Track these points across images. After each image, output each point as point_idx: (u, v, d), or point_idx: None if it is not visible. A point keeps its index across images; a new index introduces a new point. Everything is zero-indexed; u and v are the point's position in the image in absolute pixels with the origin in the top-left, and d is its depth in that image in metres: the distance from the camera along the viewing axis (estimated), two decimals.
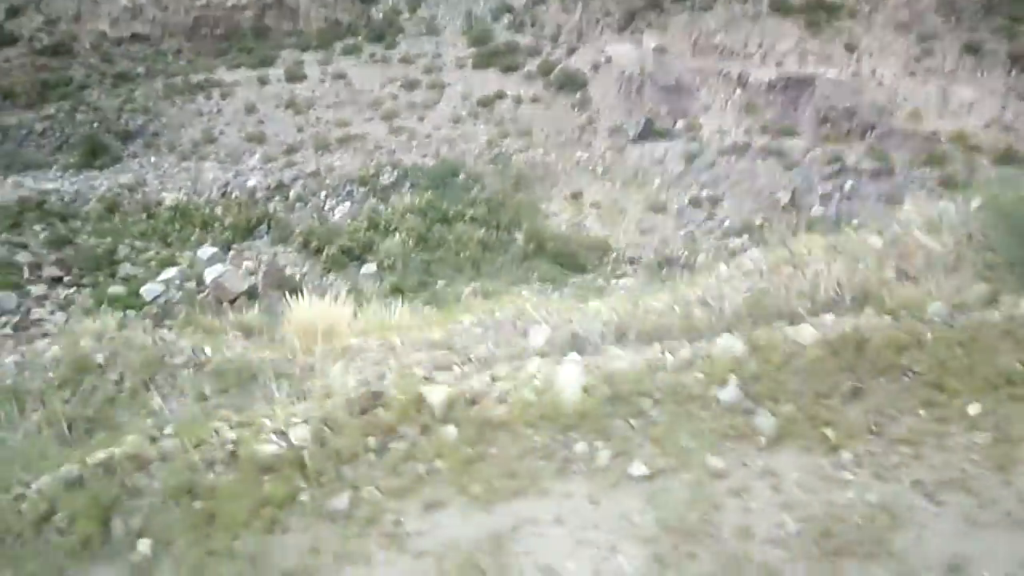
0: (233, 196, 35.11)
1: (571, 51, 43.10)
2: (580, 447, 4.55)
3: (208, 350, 6.40)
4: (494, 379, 5.10)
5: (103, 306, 21.25)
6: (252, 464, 4.51)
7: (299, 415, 4.87)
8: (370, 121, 40.93)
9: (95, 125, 42.71)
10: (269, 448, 4.59)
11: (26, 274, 22.63)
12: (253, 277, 23.49)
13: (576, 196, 33.41)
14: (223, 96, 44.24)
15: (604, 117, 39.39)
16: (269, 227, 32.67)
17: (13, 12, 49.04)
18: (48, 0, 49.86)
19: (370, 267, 29.07)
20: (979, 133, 35.56)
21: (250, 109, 42.85)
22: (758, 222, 30.69)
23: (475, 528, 4.12)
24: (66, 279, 22.82)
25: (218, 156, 40.20)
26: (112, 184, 37.40)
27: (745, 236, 30.28)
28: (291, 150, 39.54)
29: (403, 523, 4.20)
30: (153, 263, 25.45)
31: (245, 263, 25.24)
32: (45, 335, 19.12)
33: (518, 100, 40.99)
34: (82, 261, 23.85)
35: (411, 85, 43.13)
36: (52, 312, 20.15)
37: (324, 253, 29.39)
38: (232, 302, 22.76)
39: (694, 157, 34.58)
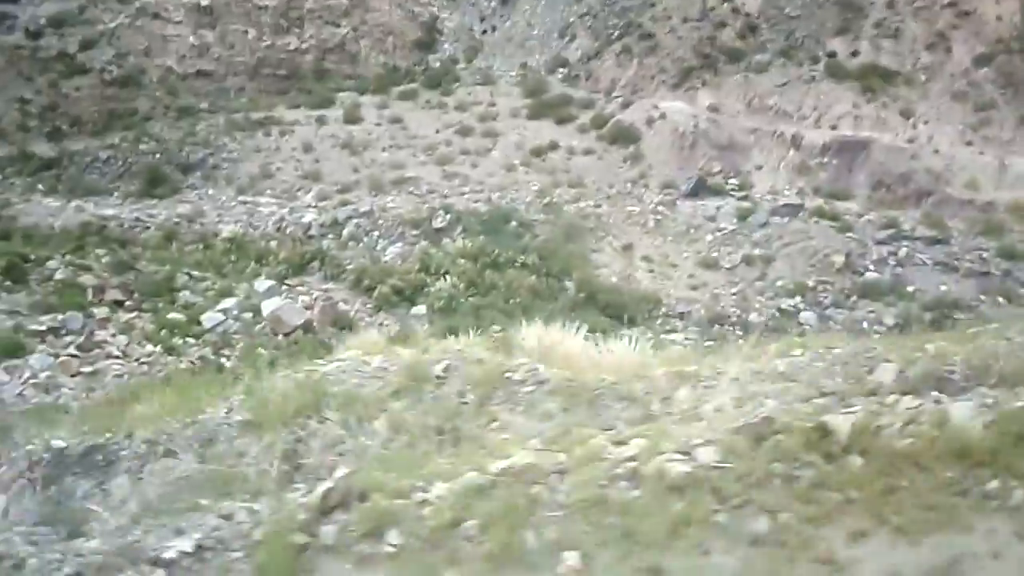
0: (288, 231, 35.73)
1: (625, 105, 43.60)
2: (993, 484, 4.47)
3: (542, 368, 6.35)
4: (883, 412, 5.01)
5: (163, 331, 21.71)
6: (659, 482, 4.43)
7: (697, 436, 4.82)
8: (424, 165, 41.58)
9: (157, 156, 43.94)
10: (677, 467, 4.53)
11: (90, 296, 23.16)
12: (308, 312, 23.75)
13: (627, 248, 33.49)
14: (282, 134, 45.29)
15: (656, 172, 39.65)
16: (322, 264, 33.09)
17: (86, 45, 50.86)
18: (120, 34, 51.67)
19: (420, 308, 29.24)
20: None
21: (307, 148, 43.79)
22: (811, 284, 30.45)
23: (909, 559, 4.04)
24: (127, 303, 23.31)
25: (274, 192, 41.06)
26: (171, 214, 38.37)
27: (798, 298, 30.07)
28: (345, 189, 40.23)
29: (835, 551, 4.12)
30: (211, 292, 25.90)
31: (300, 298, 25.57)
32: (109, 356, 19.55)
33: (571, 151, 41.47)
34: (143, 287, 24.37)
35: (465, 132, 43.84)
36: (114, 335, 20.54)
37: (376, 292, 29.65)
38: (288, 335, 23.10)
39: (747, 216, 34.58)
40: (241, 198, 40.41)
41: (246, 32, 52.92)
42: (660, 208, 36.23)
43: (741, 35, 45.41)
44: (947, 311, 29.19)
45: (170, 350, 20.32)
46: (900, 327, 29.05)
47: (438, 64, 52.53)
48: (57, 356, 18.43)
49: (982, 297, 30.38)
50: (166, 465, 5.66)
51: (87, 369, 18.31)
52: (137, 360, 19.51)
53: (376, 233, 35.32)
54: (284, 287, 27.04)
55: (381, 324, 28.07)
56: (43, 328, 19.70)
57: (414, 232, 35.19)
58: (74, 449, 6.07)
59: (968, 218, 35.02)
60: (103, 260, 28.06)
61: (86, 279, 24.31)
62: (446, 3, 55.36)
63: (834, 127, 40.25)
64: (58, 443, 6.13)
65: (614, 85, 46.31)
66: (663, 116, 41.11)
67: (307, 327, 23.10)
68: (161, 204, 40.29)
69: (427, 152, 42.58)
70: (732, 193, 38.26)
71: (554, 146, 41.80)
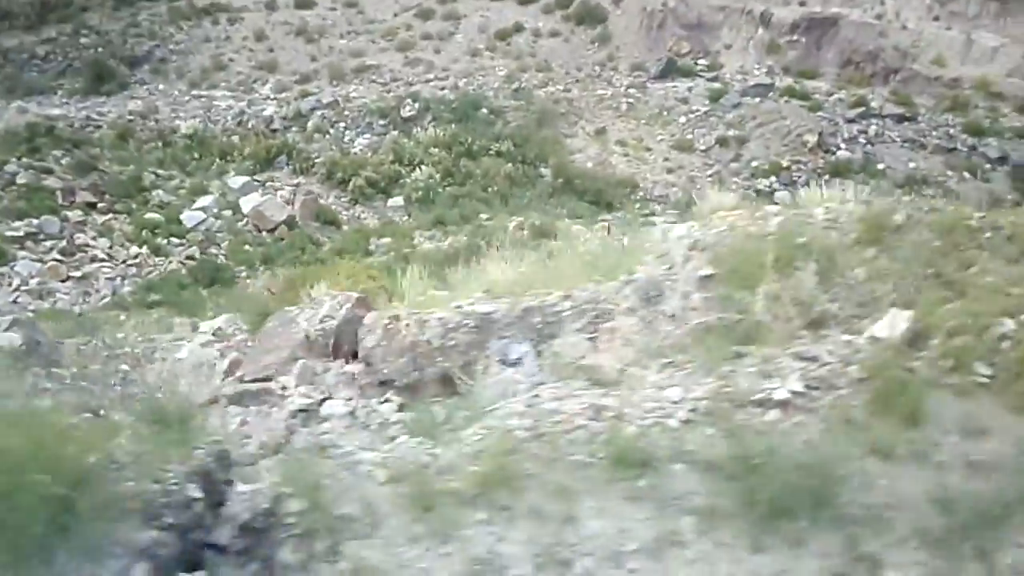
0: (249, 125, 34.43)
1: None
2: None
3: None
4: None
5: (143, 232, 21.06)
6: None
7: None
8: (385, 52, 40.07)
9: (100, 50, 41.49)
10: None
11: (59, 199, 22.23)
12: (289, 206, 23.18)
13: (600, 133, 33.11)
14: (231, 22, 43.06)
15: (624, 53, 38.88)
16: (289, 157, 32.12)
17: None
18: None
19: (397, 200, 28.85)
20: (1001, 81, 35.47)
21: (260, 36, 41.77)
22: (785, 164, 30.63)
23: None
24: (99, 205, 22.45)
25: (229, 84, 39.30)
26: (122, 111, 36.52)
27: (773, 178, 30.30)
28: (304, 80, 38.71)
29: None
30: (182, 191, 25.08)
31: (277, 193, 24.91)
32: (94, 260, 18.96)
33: (536, 34, 40.28)
34: (112, 187, 23.41)
35: (426, 15, 42.17)
36: (94, 238, 19.85)
37: (350, 185, 29.04)
38: (272, 231, 22.62)
39: (719, 96, 34.30)
40: (195, 92, 38.59)
41: None
42: (631, 91, 35.67)
43: None
44: (916, 187, 29.76)
45: (156, 250, 19.77)
46: None
47: None
48: (43, 261, 17.77)
49: (949, 172, 30.97)
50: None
51: (76, 273, 17.73)
52: (124, 262, 18.94)
53: (342, 124, 34.28)
54: (258, 183, 26.20)
55: (360, 216, 27.74)
56: (20, 234, 18.92)
57: (382, 122, 34.24)
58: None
59: (935, 94, 35.25)
60: (63, 162, 26.77)
61: (51, 182, 23.27)
62: None
63: (803, 3, 39.62)
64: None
65: None
66: None
67: (290, 222, 22.60)
68: (110, 101, 38.26)
69: (387, 38, 40.97)
70: (701, 74, 37.77)
71: (519, 28, 40.53)
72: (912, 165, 31.21)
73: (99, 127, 35.12)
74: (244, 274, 18.84)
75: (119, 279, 17.92)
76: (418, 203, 28.52)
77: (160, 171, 27.81)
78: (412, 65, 38.87)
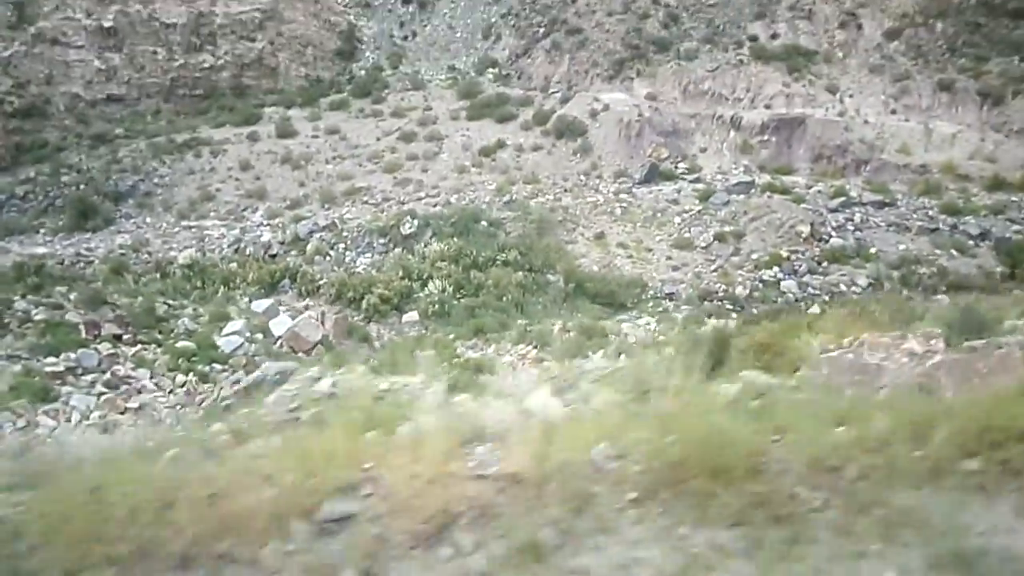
0: (247, 252, 34.28)
1: (564, 100, 44.08)
2: None
3: None
4: None
5: (179, 360, 20.45)
6: None
7: None
8: (373, 174, 40.81)
9: (81, 187, 41.35)
10: None
11: (83, 333, 21.54)
12: (322, 327, 22.88)
13: (599, 237, 33.83)
14: (214, 154, 43.50)
15: (606, 162, 40.29)
16: (293, 280, 31.92)
17: None
18: (16, 63, 48.32)
19: (411, 315, 28.67)
20: (965, 164, 37.72)
21: (245, 166, 42.22)
22: (784, 254, 31.61)
23: None
24: (124, 337, 21.81)
25: (218, 214, 39.35)
26: (111, 245, 36.16)
27: (775, 268, 31.15)
28: (295, 205, 39.01)
29: None
30: (203, 319, 24.55)
31: (307, 313, 24.60)
32: (142, 391, 18.27)
33: (519, 149, 41.58)
34: (134, 319, 22.82)
35: (408, 137, 43.30)
36: (133, 369, 19.18)
37: (363, 303, 28.85)
38: (308, 352, 22.21)
39: (708, 196, 35.59)
40: (184, 223, 38.52)
41: (155, 52, 50.54)
42: (622, 196, 36.81)
43: (665, 25, 46.76)
44: (912, 267, 30.96)
45: (203, 378, 19.15)
46: (872, 286, 30.70)
47: (363, 73, 51.68)
48: (99, 395, 17.05)
49: (937, 251, 32.29)
50: None
51: (132, 405, 17.00)
52: (171, 392, 18.30)
53: (342, 245, 34.35)
54: (282, 306, 25.88)
55: (380, 333, 27.46)
56: (60, 369, 18.16)
57: (381, 240, 34.43)
58: None
59: (907, 180, 37.21)
60: (71, 297, 26.12)
61: (71, 316, 22.57)
62: (362, 11, 54.49)
63: (768, 106, 41.97)
64: None
65: (548, 81, 46.75)
66: (606, 108, 41.79)
67: (324, 342, 22.25)
68: (96, 237, 37.93)
69: (373, 160, 41.80)
70: (683, 177, 39.29)
71: (502, 144, 41.84)
72: (902, 247, 32.48)
73: (90, 262, 34.62)
74: None
75: (178, 407, 17.26)
76: (434, 316, 28.43)
77: (171, 301, 27.27)
78: (402, 185, 39.58)
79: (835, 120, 40.36)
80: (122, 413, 16.43)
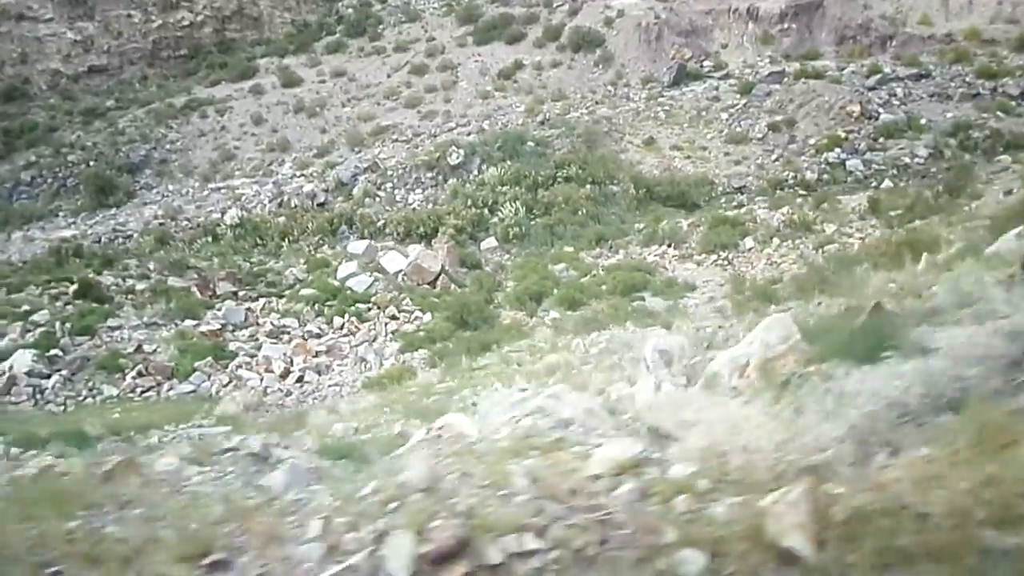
0: (292, 204, 33.26)
1: (573, 12, 43.00)
2: None
3: None
4: None
5: (315, 305, 19.84)
6: None
7: None
8: (395, 111, 39.61)
9: (91, 164, 39.44)
10: None
11: (198, 295, 20.74)
12: (437, 257, 22.37)
13: (649, 143, 33.42)
14: (220, 112, 41.76)
15: (631, 69, 39.61)
16: (351, 225, 31.14)
17: None
18: None
19: (490, 241, 28.18)
20: (988, 29, 37.81)
21: (257, 120, 40.67)
22: (842, 135, 31.58)
23: None
24: (240, 293, 21.05)
25: (244, 171, 37.97)
26: (143, 218, 34.86)
27: (837, 150, 31.14)
28: (323, 152, 37.80)
29: None
30: (300, 268, 23.84)
31: (412, 247, 24.03)
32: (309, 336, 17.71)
33: (538, 67, 40.65)
34: (244, 275, 22.06)
35: (420, 70, 42.00)
36: (281, 317, 18.54)
37: (438, 234, 28.23)
38: (432, 282, 21.74)
39: (749, 89, 35.26)
40: (212, 185, 37.14)
41: (130, 16, 47.98)
42: (659, 100, 36.30)
43: None
44: (966, 133, 31.21)
45: (359, 316, 18.61)
46: (932, 155, 30.94)
47: (351, 11, 49.76)
48: (290, 343, 16.47)
49: (984, 115, 32.53)
50: None
51: (322, 348, 16.45)
52: (342, 331, 17.76)
53: (389, 185, 33.51)
54: (377, 246, 25.19)
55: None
56: (215, 327, 17.46)
57: (429, 174, 33.61)
58: None
59: (934, 51, 37.21)
60: (149, 266, 25.18)
61: (173, 282, 21.69)
62: None
63: None
64: None
65: None
66: (621, 14, 40.91)
67: (444, 271, 21.77)
68: (122, 211, 36.46)
69: (391, 98, 40.55)
70: (711, 75, 38.83)
71: (519, 65, 40.84)
72: (949, 115, 32.68)
73: (128, 237, 33.46)
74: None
75: (368, 343, 16.74)
76: (515, 240, 27.99)
77: (251, 259, 26.46)
78: (428, 118, 38.51)
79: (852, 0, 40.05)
80: (315, 356, 15.88)
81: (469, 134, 36.38)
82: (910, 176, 29.40)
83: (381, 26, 47.30)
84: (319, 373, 15.20)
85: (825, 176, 29.93)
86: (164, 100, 43.47)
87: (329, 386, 14.41)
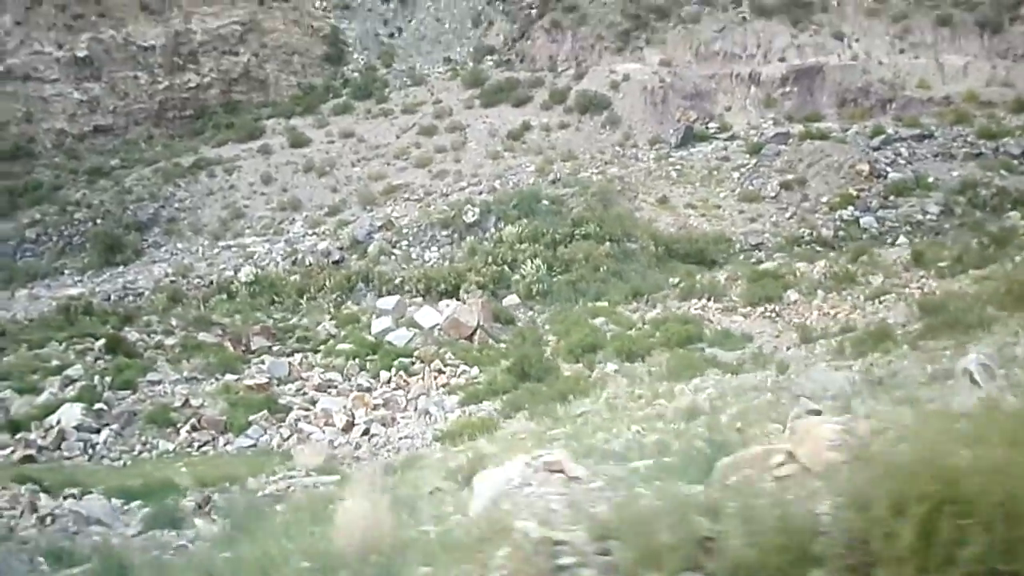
0: (307, 262, 33.12)
1: (579, 77, 43.89)
2: None
3: None
4: None
5: (355, 359, 19.55)
6: None
7: None
8: (405, 171, 39.90)
9: (98, 222, 39.23)
10: None
11: (231, 349, 20.40)
12: (472, 314, 22.23)
13: (663, 201, 33.77)
14: (228, 172, 41.85)
15: (638, 130, 40.32)
16: (368, 282, 31.02)
17: None
18: None
19: (511, 298, 28.09)
20: (984, 91, 39.01)
21: (267, 180, 40.77)
22: (853, 193, 32.12)
23: None
24: (274, 348, 20.74)
25: (254, 229, 37.92)
26: (153, 275, 34.51)
27: (850, 207, 31.63)
28: (335, 211, 37.88)
29: None
30: (332, 323, 23.61)
31: (443, 302, 23.89)
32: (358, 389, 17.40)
33: (546, 128, 41.27)
34: (278, 330, 21.78)
35: (428, 131, 42.45)
36: (325, 371, 18.24)
37: (460, 292, 28.13)
38: (469, 337, 21.55)
39: (759, 149, 35.92)
40: (222, 243, 37.00)
41: (136, 77, 48.32)
42: (668, 160, 36.87)
43: None
44: (975, 190, 31.89)
45: (405, 370, 18.35)
46: (944, 213, 31.52)
47: (357, 75, 50.49)
48: (348, 396, 16.15)
49: (988, 173, 33.30)
50: None
51: (378, 401, 16.12)
52: (389, 386, 17.47)
53: (404, 243, 33.52)
54: (406, 301, 25.02)
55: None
56: (262, 381, 17.12)
57: (444, 232, 33.70)
58: None
59: (933, 113, 38.27)
60: (173, 322, 24.83)
61: (204, 337, 21.35)
62: (343, 13, 53.18)
63: (782, 59, 42.62)
64: None
65: (553, 61, 46.51)
66: (626, 78, 41.79)
67: (480, 326, 21.63)
68: (130, 269, 36.17)
69: (401, 158, 40.87)
70: (716, 136, 39.64)
71: (527, 127, 41.45)
72: (955, 174, 33.41)
73: (139, 294, 33.07)
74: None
75: (424, 396, 16.42)
76: (538, 296, 27.96)
77: (275, 316, 26.18)
78: (439, 177, 38.81)
79: (851, 64, 41.29)
80: (375, 409, 15.57)
81: (481, 193, 36.61)
82: (923, 232, 29.88)
83: (387, 89, 47.96)
84: (384, 425, 14.86)
85: (841, 233, 30.35)
86: (171, 160, 43.55)
87: (400, 439, 14.06)
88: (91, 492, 7.87)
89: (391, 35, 52.75)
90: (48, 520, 6.82)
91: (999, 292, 11.88)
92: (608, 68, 43.18)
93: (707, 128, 40.18)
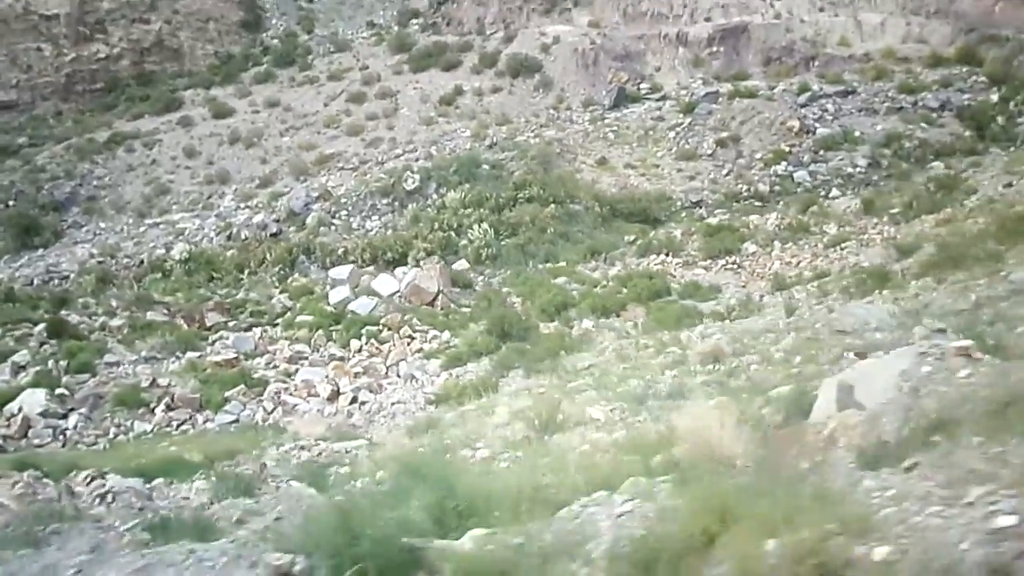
0: (243, 236, 32.08)
1: (508, 39, 43.47)
2: None
3: None
4: None
5: (318, 331, 19.06)
6: None
7: None
8: (336, 139, 38.94)
9: (11, 204, 37.05)
10: None
11: (185, 327, 19.64)
12: (432, 279, 21.94)
13: (602, 163, 33.91)
14: (147, 146, 40.08)
15: (570, 92, 40.30)
16: (310, 254, 30.26)
17: None
18: None
19: (460, 263, 27.83)
20: (901, 48, 40.40)
21: (190, 153, 39.19)
22: (785, 148, 32.92)
23: None
24: (231, 323, 20.06)
25: (182, 205, 36.47)
26: (77, 257, 32.86)
27: (783, 163, 32.43)
28: (266, 183, 36.72)
29: None
30: (286, 294, 23.00)
31: (399, 270, 23.49)
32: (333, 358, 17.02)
33: (479, 92, 40.81)
34: (233, 304, 21.06)
35: (357, 98, 41.47)
36: (291, 344, 17.74)
37: (408, 259, 27.73)
38: (430, 303, 21.29)
39: (692, 108, 36.36)
40: (148, 221, 35.44)
41: (40, 49, 45.59)
42: (602, 122, 37.01)
43: None
44: (900, 143, 33.12)
45: (376, 338, 17.98)
46: (871, 165, 32.66)
47: (276, 42, 48.82)
48: (327, 366, 15.66)
49: (910, 126, 34.58)
50: None
51: (359, 370, 15.71)
52: (361, 355, 17.07)
53: (344, 212, 32.77)
54: (359, 270, 24.51)
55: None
56: (230, 356, 16.49)
57: (384, 201, 33.08)
58: None
59: (855, 69, 39.41)
60: (112, 303, 23.74)
61: (152, 315, 20.49)
62: None
63: (708, 19, 43.14)
64: None
65: (481, 24, 45.96)
66: (557, 40, 41.62)
67: (439, 291, 21.40)
68: (51, 252, 34.34)
69: (332, 126, 39.83)
70: (648, 97, 39.91)
71: (460, 91, 40.89)
72: (879, 128, 34.58)
73: (65, 277, 31.43)
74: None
75: (403, 362, 16.07)
76: (488, 260, 27.79)
77: (221, 291, 25.34)
78: (373, 145, 38.00)
79: (775, 23, 42.10)
80: (357, 375, 15.22)
81: (418, 160, 36.00)
82: (855, 185, 30.88)
83: (310, 56, 46.60)
84: (372, 392, 14.54)
85: (776, 187, 31.11)
86: (83, 135, 41.40)
87: (392, 404, 13.78)
88: (106, 473, 7.45)
89: (310, 0, 51.08)
90: (109, 498, 6.42)
91: (991, 228, 12.43)
92: (537, 30, 42.92)
93: (639, 89, 40.42)
